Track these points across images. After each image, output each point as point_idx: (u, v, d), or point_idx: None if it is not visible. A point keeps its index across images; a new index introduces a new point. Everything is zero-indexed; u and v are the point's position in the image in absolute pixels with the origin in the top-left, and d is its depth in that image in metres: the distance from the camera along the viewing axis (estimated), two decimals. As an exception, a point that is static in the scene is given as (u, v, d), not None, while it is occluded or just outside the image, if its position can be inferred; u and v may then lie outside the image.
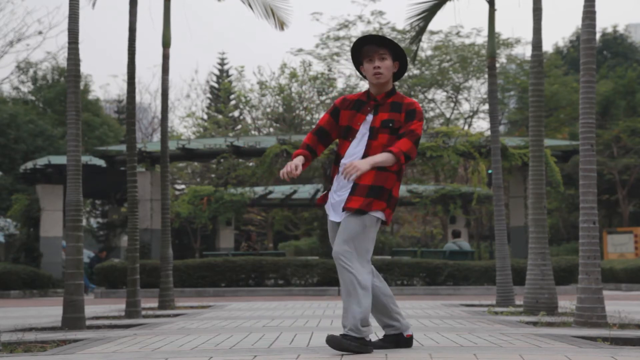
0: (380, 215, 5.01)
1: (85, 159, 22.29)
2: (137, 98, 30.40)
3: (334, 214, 5.09)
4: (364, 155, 5.03)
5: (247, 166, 26.48)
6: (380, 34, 33.96)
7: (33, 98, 36.24)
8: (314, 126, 28.97)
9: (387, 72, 5.16)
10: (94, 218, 37.03)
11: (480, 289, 17.90)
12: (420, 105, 37.28)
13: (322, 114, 35.70)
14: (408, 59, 5.88)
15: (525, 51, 40.61)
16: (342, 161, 5.13)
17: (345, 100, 5.28)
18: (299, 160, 5.09)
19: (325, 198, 5.20)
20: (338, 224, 5.05)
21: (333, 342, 4.81)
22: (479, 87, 35.84)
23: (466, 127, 35.13)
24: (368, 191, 4.98)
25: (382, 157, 4.95)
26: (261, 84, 35.30)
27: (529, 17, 9.88)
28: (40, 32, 33.22)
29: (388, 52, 5.18)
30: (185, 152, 21.63)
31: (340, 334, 4.85)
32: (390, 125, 5.06)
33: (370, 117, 5.14)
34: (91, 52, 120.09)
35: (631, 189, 31.67)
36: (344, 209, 4.99)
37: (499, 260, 11.39)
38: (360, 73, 5.32)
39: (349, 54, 36.74)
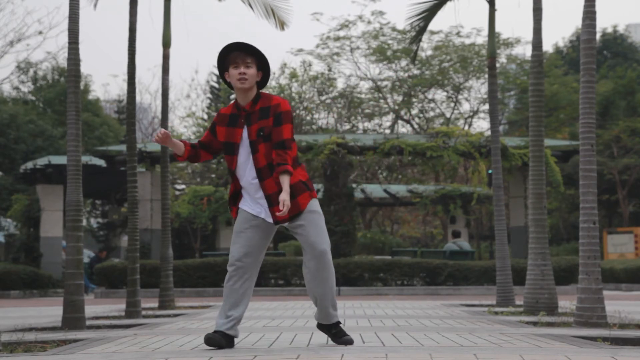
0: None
1: (85, 159, 22.27)
2: (137, 98, 30.36)
3: (257, 212, 5.32)
4: (257, 171, 5.25)
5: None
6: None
7: (33, 98, 36.25)
8: (314, 126, 28.82)
9: (251, 79, 5.27)
10: (94, 218, 37.01)
11: (480, 289, 17.90)
12: (420, 105, 37.12)
13: (322, 114, 35.81)
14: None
15: (525, 51, 40.61)
16: (241, 181, 5.34)
17: (219, 115, 5.40)
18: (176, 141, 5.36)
19: (235, 213, 5.43)
20: (289, 225, 5.34)
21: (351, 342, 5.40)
22: (479, 87, 35.86)
23: (466, 127, 35.12)
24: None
25: (286, 182, 5.16)
26: (261, 84, 35.28)
27: (529, 17, 9.89)
28: (40, 32, 33.19)
29: (254, 61, 5.30)
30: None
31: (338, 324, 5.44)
32: (262, 134, 5.23)
33: (245, 130, 5.28)
34: (91, 52, 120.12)
35: (631, 189, 31.67)
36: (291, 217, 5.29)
37: (499, 260, 11.39)
38: (224, 80, 5.40)
39: (349, 53, 36.79)
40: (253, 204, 5.32)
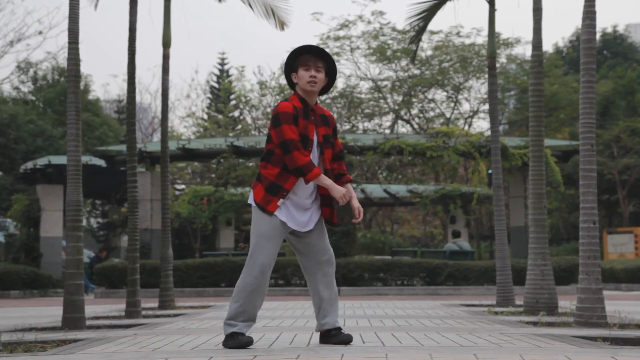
0: None
1: (85, 159, 22.28)
2: (137, 98, 30.39)
3: (301, 223, 5.31)
4: (326, 166, 5.38)
5: (247, 166, 26.47)
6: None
7: (33, 98, 36.25)
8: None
9: (320, 84, 5.38)
10: (94, 218, 37.02)
11: (480, 289, 17.90)
12: (420, 105, 37.28)
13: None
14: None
15: (525, 51, 40.62)
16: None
17: (295, 108, 5.32)
18: (340, 187, 5.32)
19: (276, 206, 5.27)
20: (298, 232, 5.34)
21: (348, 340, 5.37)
22: (479, 87, 35.87)
23: (466, 127, 35.13)
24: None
25: (351, 188, 5.49)
26: (261, 83, 35.32)
27: (529, 17, 9.89)
28: (40, 32, 33.22)
29: (324, 66, 5.40)
30: (185, 152, 21.63)
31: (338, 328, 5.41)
32: (330, 140, 5.43)
33: (315, 129, 5.37)
34: (91, 52, 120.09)
35: (631, 189, 31.68)
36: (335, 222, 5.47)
37: (499, 260, 11.39)
38: (289, 80, 5.45)
39: (349, 53, 36.80)
40: (288, 213, 5.27)
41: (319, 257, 5.40)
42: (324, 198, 5.42)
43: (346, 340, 5.36)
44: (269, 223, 5.26)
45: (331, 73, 5.46)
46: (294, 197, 5.31)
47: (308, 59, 5.34)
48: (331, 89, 5.63)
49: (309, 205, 5.35)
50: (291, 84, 5.44)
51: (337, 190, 5.20)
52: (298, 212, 5.31)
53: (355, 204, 5.35)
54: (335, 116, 35.72)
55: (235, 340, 5.19)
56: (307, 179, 5.18)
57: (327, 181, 5.21)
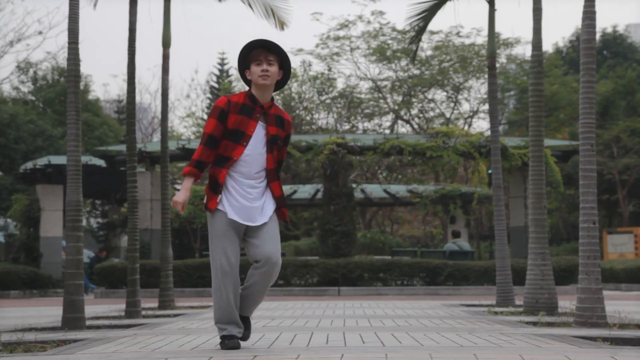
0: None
1: (85, 159, 22.27)
2: (137, 98, 30.39)
3: (246, 218, 5.17)
4: (267, 171, 5.23)
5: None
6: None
7: (33, 98, 36.25)
8: (314, 126, 28.46)
9: (273, 77, 5.25)
10: (94, 218, 37.01)
11: (480, 289, 17.90)
12: (420, 105, 37.22)
13: (321, 114, 35.78)
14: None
15: (525, 51, 40.61)
16: (240, 168, 5.19)
17: (231, 102, 5.23)
18: (185, 195, 5.19)
19: (216, 202, 5.19)
20: (246, 226, 5.20)
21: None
22: (479, 87, 35.85)
23: (466, 127, 35.12)
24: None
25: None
26: (261, 84, 35.27)
27: (529, 17, 9.89)
28: (40, 32, 33.18)
29: (276, 59, 5.28)
30: (185, 152, 21.61)
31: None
32: (278, 142, 5.28)
33: (262, 126, 5.23)
34: (91, 52, 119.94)
35: (631, 189, 31.66)
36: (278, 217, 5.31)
37: (499, 260, 11.39)
38: (244, 78, 5.35)
39: (349, 53, 36.73)
40: (233, 208, 5.16)
41: (265, 255, 5.25)
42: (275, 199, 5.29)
43: (235, 346, 5.18)
44: (217, 221, 5.19)
45: (285, 66, 5.34)
46: (233, 191, 5.20)
47: (259, 53, 5.25)
48: (287, 82, 5.46)
49: (251, 199, 5.18)
50: (247, 82, 5.34)
51: (177, 196, 5.18)
52: (244, 206, 5.17)
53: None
54: (335, 116, 35.80)
55: (223, 343, 5.17)
56: (182, 172, 5.22)
57: (184, 184, 5.20)
